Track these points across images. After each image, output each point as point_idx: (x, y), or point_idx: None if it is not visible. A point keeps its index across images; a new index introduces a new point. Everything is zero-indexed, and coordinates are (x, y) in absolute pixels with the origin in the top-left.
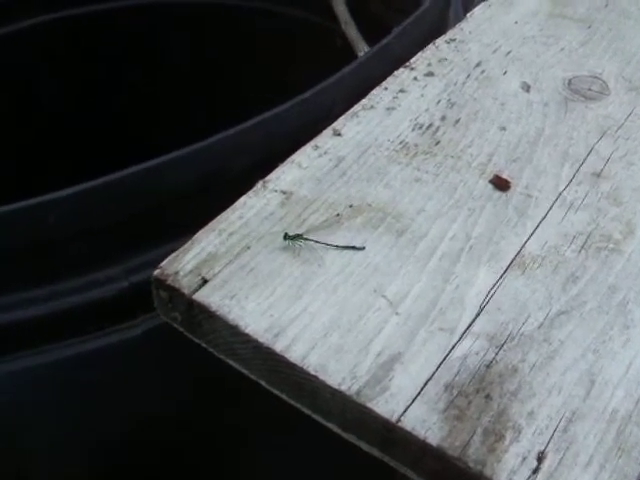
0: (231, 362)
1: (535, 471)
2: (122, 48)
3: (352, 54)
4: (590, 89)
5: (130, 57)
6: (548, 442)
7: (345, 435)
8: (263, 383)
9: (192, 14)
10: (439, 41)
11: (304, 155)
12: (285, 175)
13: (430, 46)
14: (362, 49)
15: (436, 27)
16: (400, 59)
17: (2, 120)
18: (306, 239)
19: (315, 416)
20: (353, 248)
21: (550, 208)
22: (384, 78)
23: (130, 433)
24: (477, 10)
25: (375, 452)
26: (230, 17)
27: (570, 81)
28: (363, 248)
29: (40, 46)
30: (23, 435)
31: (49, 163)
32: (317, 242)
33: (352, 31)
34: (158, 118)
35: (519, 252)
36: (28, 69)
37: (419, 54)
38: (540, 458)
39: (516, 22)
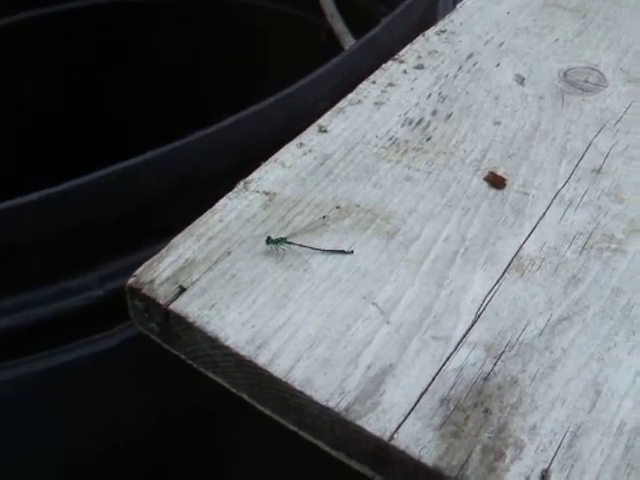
0: (212, 375)
1: None
2: (111, 46)
3: (337, 48)
4: (587, 81)
5: (119, 55)
6: (552, 459)
7: (334, 453)
8: (245, 397)
9: (178, 11)
10: (429, 32)
11: (288, 153)
12: (268, 175)
13: (419, 38)
14: (349, 43)
15: (425, 18)
16: (388, 51)
17: None
18: (290, 243)
19: (302, 433)
20: (341, 252)
21: (548, 206)
22: (372, 71)
23: (107, 450)
24: (468, 0)
25: (367, 471)
26: (214, 12)
27: (566, 73)
28: (351, 252)
29: (27, 42)
30: None
31: (32, 165)
32: (302, 246)
33: (338, 24)
34: (147, 116)
35: (517, 254)
36: (12, 66)
37: (408, 46)
38: (544, 477)
39: (508, 12)
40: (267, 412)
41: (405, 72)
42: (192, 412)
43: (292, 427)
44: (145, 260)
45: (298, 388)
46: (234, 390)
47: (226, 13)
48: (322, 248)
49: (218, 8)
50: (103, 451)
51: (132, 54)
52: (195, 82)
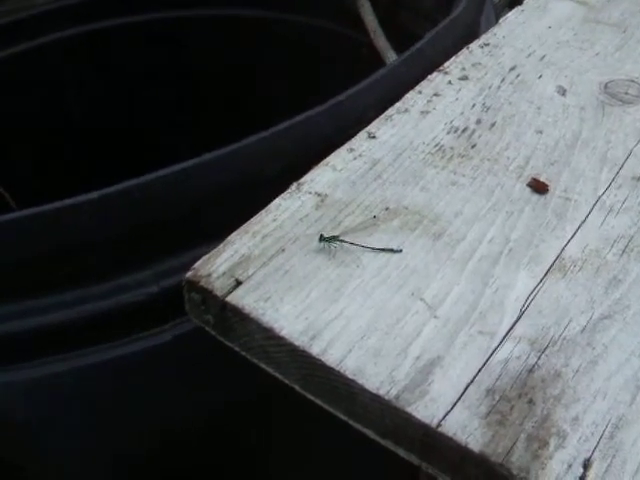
0: (264, 366)
1: (582, 479)
2: (153, 61)
3: (378, 64)
4: (627, 93)
5: (165, 70)
6: (594, 449)
7: (382, 441)
8: (297, 388)
9: (216, 27)
10: (473, 45)
11: (339, 158)
12: (320, 177)
13: (464, 50)
14: (391, 58)
15: (468, 32)
16: (433, 64)
17: (32, 131)
18: (342, 241)
19: (351, 422)
20: (390, 251)
21: (590, 211)
22: (417, 83)
23: (158, 443)
24: (510, 15)
25: (413, 459)
26: (254, 29)
27: (606, 85)
28: (400, 251)
29: (62, 60)
30: (47, 442)
31: (75, 174)
32: (353, 244)
33: (381, 40)
34: (189, 132)
35: (559, 255)
36: (50, 83)
37: (453, 58)
38: (586, 465)
39: (550, 27)
40: (318, 402)
41: (450, 83)
42: (243, 406)
43: (342, 416)
44: (199, 258)
45: (350, 377)
46: (287, 381)
47: (271, 29)
48: (372, 246)
49: (263, 24)
50: (154, 445)
51: (177, 70)
52: (240, 98)
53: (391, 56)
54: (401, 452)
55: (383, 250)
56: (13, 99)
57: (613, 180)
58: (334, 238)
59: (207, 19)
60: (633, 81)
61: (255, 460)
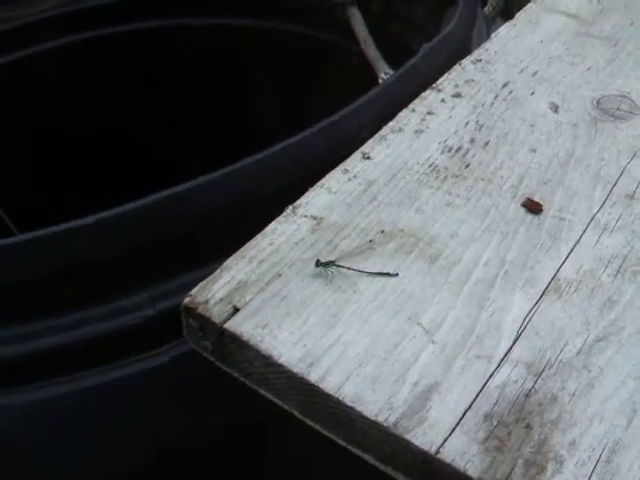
0: (264, 392)
1: None
2: (139, 71)
3: (369, 73)
4: (619, 109)
5: (149, 81)
6: (591, 474)
7: (382, 467)
8: (297, 413)
9: (208, 36)
10: (465, 62)
11: (333, 179)
12: (315, 200)
13: (456, 67)
14: (382, 68)
15: (461, 48)
16: (426, 80)
17: (20, 144)
18: (339, 266)
19: (350, 447)
20: (387, 275)
21: (584, 231)
22: (410, 100)
23: (155, 465)
24: (502, 30)
25: None
26: (245, 38)
27: (599, 101)
28: (396, 275)
29: (57, 68)
30: (44, 465)
31: (65, 189)
32: (350, 269)
33: (371, 50)
34: (178, 144)
35: (554, 276)
36: (45, 91)
37: (445, 75)
38: None
39: (542, 41)
40: (318, 428)
41: (443, 101)
42: (239, 429)
43: (341, 442)
44: (194, 281)
45: (349, 404)
46: (286, 407)
47: (261, 38)
48: (369, 271)
49: (252, 34)
50: (151, 467)
51: (167, 80)
52: (231, 105)
53: (382, 66)
54: (400, 477)
55: (380, 274)
56: (4, 104)
57: (607, 198)
58: (331, 263)
59: (198, 28)
60: (624, 96)
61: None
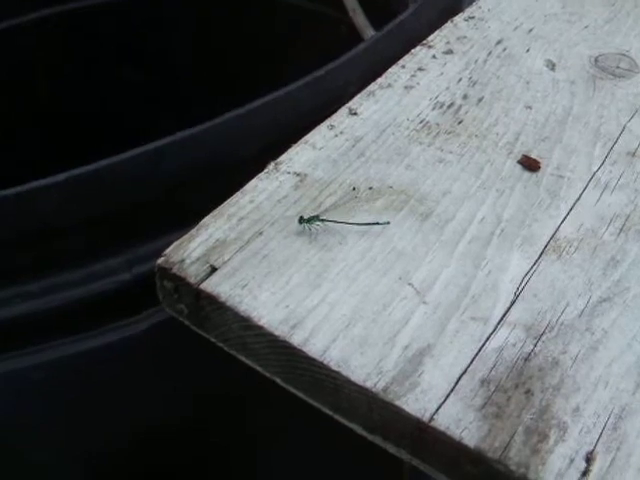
0: (243, 358)
1: (585, 473)
2: (120, 41)
3: (358, 42)
4: (618, 67)
5: (131, 49)
6: (597, 441)
7: (370, 437)
8: (279, 381)
9: (191, 6)
10: (457, 19)
11: (319, 135)
12: (299, 156)
13: (448, 24)
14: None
15: (452, 5)
16: (416, 37)
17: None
18: (323, 220)
19: (337, 416)
20: (376, 224)
21: (584, 189)
22: (400, 57)
23: (133, 435)
24: None
25: (404, 455)
26: (233, 8)
27: (597, 59)
28: (388, 223)
29: (39, 40)
30: (14, 440)
31: (48, 159)
32: (336, 222)
33: (360, 19)
34: (161, 111)
35: (553, 235)
36: (27, 64)
37: (437, 32)
38: (589, 459)
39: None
40: (301, 395)
41: (434, 57)
42: (220, 397)
43: (327, 411)
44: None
45: (334, 368)
46: (267, 374)
47: (249, 9)
48: (356, 222)
49: (240, 4)
50: (130, 440)
51: (152, 48)
52: (214, 78)
53: (370, 34)
54: (390, 448)
55: (368, 224)
56: None
57: (607, 156)
58: (315, 218)
59: None
60: (624, 55)
61: (238, 453)
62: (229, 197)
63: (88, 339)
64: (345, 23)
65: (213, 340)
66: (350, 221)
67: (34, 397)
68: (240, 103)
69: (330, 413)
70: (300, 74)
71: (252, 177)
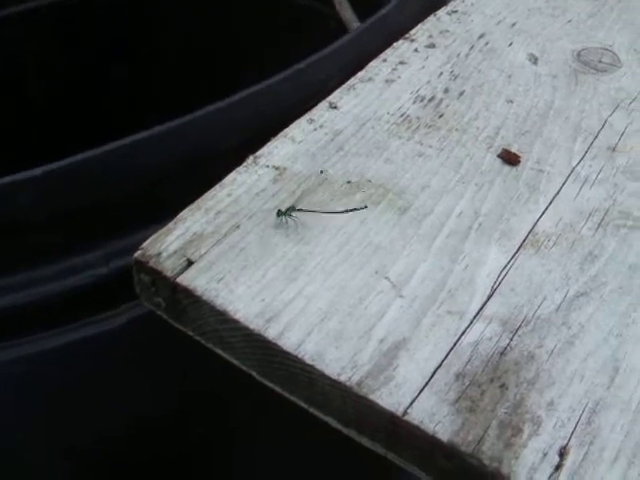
0: (220, 352)
1: (557, 468)
2: (115, 31)
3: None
4: (601, 61)
5: (124, 42)
6: (571, 435)
7: (345, 430)
8: (255, 374)
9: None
10: (440, 12)
11: (298, 129)
12: (278, 150)
13: (430, 17)
14: None
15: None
16: (399, 31)
17: None
18: (300, 210)
19: (312, 410)
20: (353, 210)
21: (563, 183)
22: (382, 50)
23: (113, 431)
24: None
25: (379, 449)
26: (219, 2)
27: (579, 53)
28: (365, 207)
29: (31, 31)
30: None
31: (36, 150)
32: (314, 212)
33: (347, 13)
34: (152, 102)
35: (532, 230)
36: (19, 55)
37: (419, 26)
38: (562, 453)
39: None
40: (277, 389)
41: (416, 51)
42: (200, 391)
43: (302, 404)
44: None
45: (309, 362)
46: (244, 367)
47: (234, 3)
48: (333, 210)
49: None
50: (108, 431)
51: (136, 40)
52: (202, 72)
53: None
54: (365, 442)
55: (347, 211)
56: None
57: (587, 151)
58: (292, 208)
59: None
60: (606, 49)
61: (221, 447)
62: (208, 190)
63: (66, 333)
64: (334, 18)
65: (190, 334)
66: (326, 215)
67: (12, 391)
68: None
69: (305, 407)
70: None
71: (232, 170)
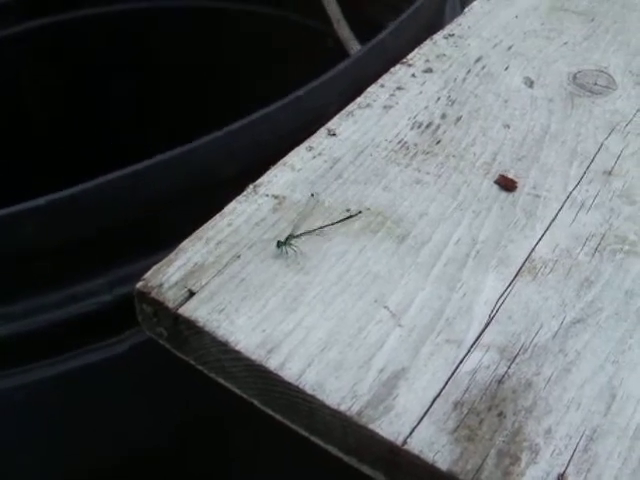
0: (222, 381)
1: None
2: (114, 53)
3: (344, 55)
4: (596, 84)
5: (121, 62)
6: (568, 463)
7: (346, 458)
8: (257, 403)
9: (183, 18)
10: (437, 36)
11: (297, 157)
12: (277, 178)
13: (427, 42)
14: (354, 49)
15: (432, 23)
16: (396, 55)
17: None
18: (299, 235)
19: (313, 438)
20: (348, 218)
21: (560, 209)
22: (380, 75)
23: (114, 457)
24: (476, 4)
25: (379, 477)
26: (218, 20)
27: (575, 76)
28: (359, 212)
29: (29, 52)
30: None
31: (37, 171)
32: (311, 232)
33: (344, 31)
34: (150, 124)
35: (529, 256)
36: (16, 75)
37: (416, 50)
38: None
39: (516, 16)
40: (278, 417)
41: (414, 76)
42: (202, 419)
43: (304, 432)
44: (154, 265)
45: (309, 392)
46: (245, 396)
47: (232, 21)
48: (332, 222)
49: (224, 16)
50: (110, 458)
51: (136, 62)
52: (200, 91)
53: (355, 47)
54: (366, 470)
55: (342, 220)
56: None
57: (583, 175)
58: (290, 237)
59: (168, 10)
60: (602, 71)
61: (220, 476)
62: (209, 218)
63: (70, 360)
64: (332, 36)
65: (192, 363)
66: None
67: (16, 418)
68: (230, 116)
69: (306, 435)
70: (287, 88)
71: (232, 198)
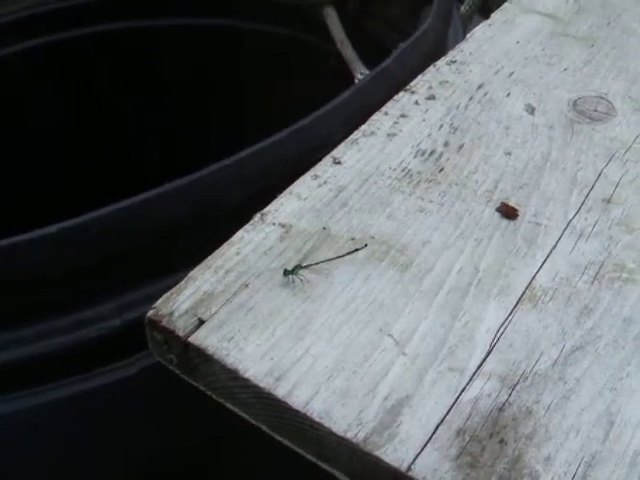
0: (231, 406)
1: None
2: (115, 72)
3: (347, 74)
4: (596, 110)
5: (122, 83)
6: None
7: None
8: (265, 428)
9: (185, 37)
10: (440, 63)
11: (303, 185)
12: (284, 207)
13: (430, 68)
14: (358, 69)
15: (436, 48)
16: (400, 82)
17: None
18: (306, 266)
19: (320, 463)
20: (355, 251)
21: (560, 237)
22: (384, 102)
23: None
24: (478, 30)
25: None
26: (222, 39)
27: (575, 102)
28: (365, 246)
29: (34, 70)
30: None
31: (44, 195)
32: (318, 263)
33: (348, 51)
34: (151, 146)
35: (529, 284)
36: (22, 93)
37: (419, 77)
38: None
39: (518, 42)
40: (287, 443)
41: (417, 103)
42: (210, 442)
43: (311, 458)
44: (162, 291)
45: (317, 420)
46: (254, 421)
47: (236, 39)
48: (338, 255)
49: (228, 34)
50: None
51: (142, 81)
52: (205, 107)
53: (358, 66)
54: None
55: (349, 253)
56: None
57: (583, 203)
58: (298, 267)
59: (169, 29)
60: (602, 97)
61: None
62: (216, 245)
63: (79, 383)
64: (334, 55)
65: (202, 389)
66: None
67: (27, 440)
68: (233, 132)
69: (314, 460)
70: (290, 108)
71: (239, 225)
